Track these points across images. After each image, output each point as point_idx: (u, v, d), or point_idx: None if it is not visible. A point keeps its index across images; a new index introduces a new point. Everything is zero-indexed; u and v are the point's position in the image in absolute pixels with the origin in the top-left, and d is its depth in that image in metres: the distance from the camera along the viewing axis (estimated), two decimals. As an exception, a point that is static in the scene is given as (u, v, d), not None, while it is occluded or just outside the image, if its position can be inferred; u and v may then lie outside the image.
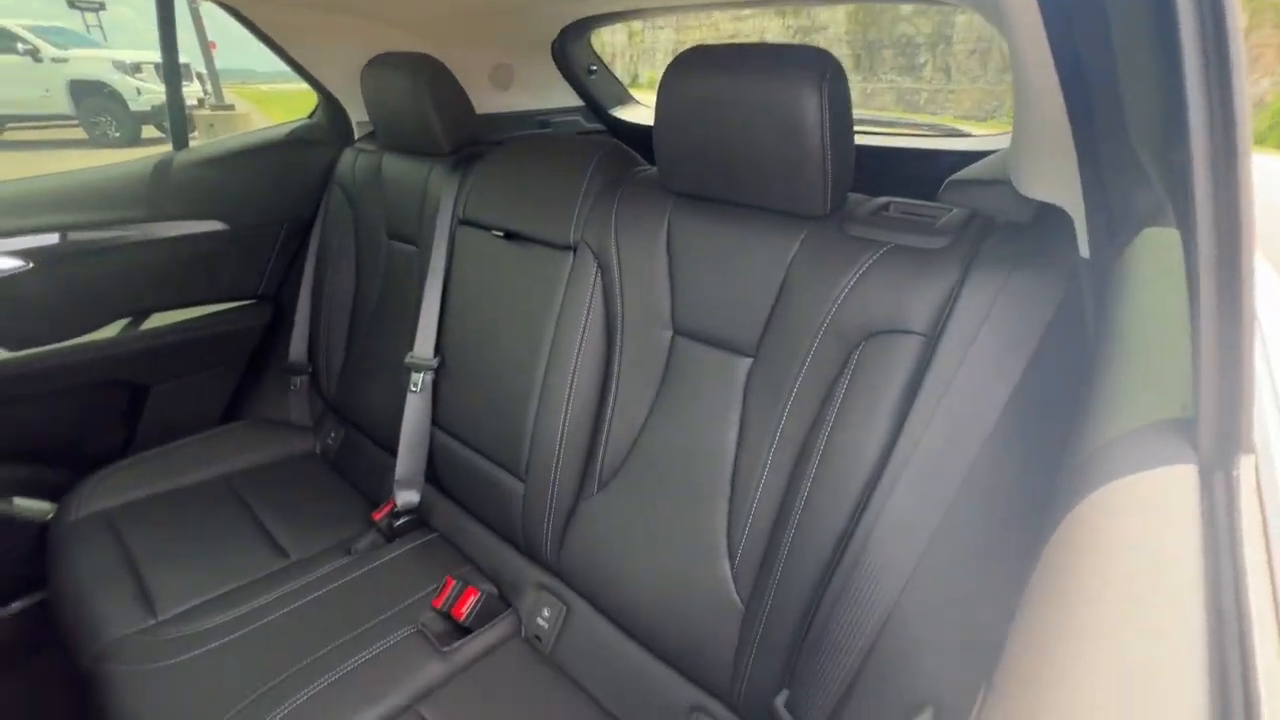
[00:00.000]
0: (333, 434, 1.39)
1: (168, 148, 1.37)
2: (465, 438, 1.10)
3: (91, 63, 7.81)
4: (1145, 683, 0.24)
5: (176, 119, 1.40)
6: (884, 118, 1.39)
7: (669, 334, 0.87)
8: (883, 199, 0.77)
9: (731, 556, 0.76)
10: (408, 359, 1.14)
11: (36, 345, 1.20)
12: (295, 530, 1.14)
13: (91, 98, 7.71)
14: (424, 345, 1.14)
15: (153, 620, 0.94)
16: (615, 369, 0.90)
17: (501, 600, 0.98)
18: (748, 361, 0.79)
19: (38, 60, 7.60)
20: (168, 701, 0.81)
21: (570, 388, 0.92)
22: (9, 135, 8.04)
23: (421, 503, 1.14)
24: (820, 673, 0.65)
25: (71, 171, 1.28)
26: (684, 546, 0.79)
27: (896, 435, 0.65)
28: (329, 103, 1.49)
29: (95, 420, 1.33)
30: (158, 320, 1.34)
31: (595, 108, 1.74)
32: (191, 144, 1.39)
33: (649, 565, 0.82)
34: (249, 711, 0.79)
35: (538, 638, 0.93)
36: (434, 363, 1.14)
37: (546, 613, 0.94)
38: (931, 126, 1.39)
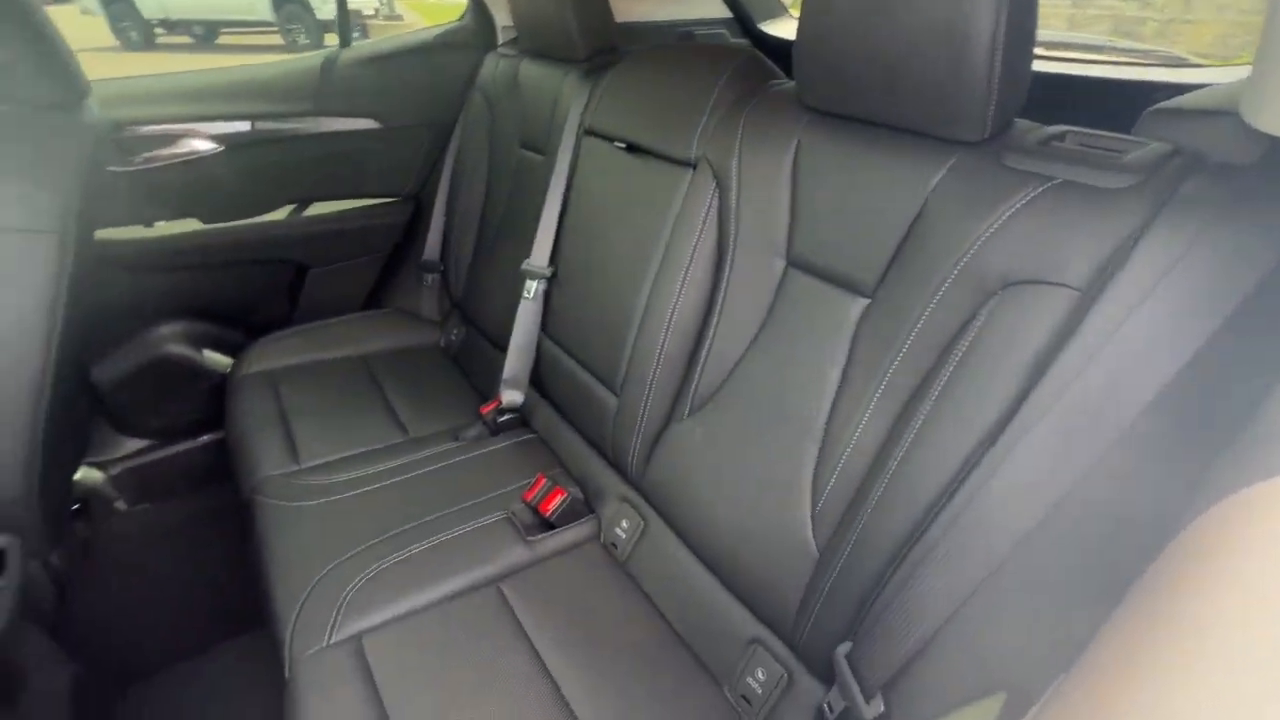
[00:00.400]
0: (455, 331, 1.49)
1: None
2: (569, 348, 1.14)
3: (287, -30, 8.46)
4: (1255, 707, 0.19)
5: (342, 17, 1.49)
6: (1085, 40, 1.16)
7: (782, 264, 0.82)
8: (1059, 127, 0.65)
9: (814, 502, 0.73)
10: (523, 266, 1.18)
11: (224, 221, 1.38)
12: (415, 411, 1.26)
13: (288, 5, 8.42)
14: (540, 255, 1.17)
15: (295, 466, 1.09)
16: (721, 295, 0.87)
17: (585, 504, 1.03)
18: (864, 303, 0.73)
19: (244, -35, 8.36)
20: (300, 534, 0.96)
21: (672, 310, 0.90)
22: (222, 40, 9.05)
23: (524, 404, 1.21)
24: (888, 634, 0.62)
25: (255, 65, 1.41)
26: (766, 483, 0.77)
27: (1022, 400, 0.57)
28: (476, 5, 1.51)
29: (265, 293, 1.53)
30: (317, 209, 1.48)
31: (743, 19, 1.62)
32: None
33: (728, 496, 0.81)
34: (362, 556, 0.91)
35: (614, 545, 0.97)
36: (547, 272, 1.17)
37: (625, 524, 0.97)
38: (1145, 53, 1.15)
